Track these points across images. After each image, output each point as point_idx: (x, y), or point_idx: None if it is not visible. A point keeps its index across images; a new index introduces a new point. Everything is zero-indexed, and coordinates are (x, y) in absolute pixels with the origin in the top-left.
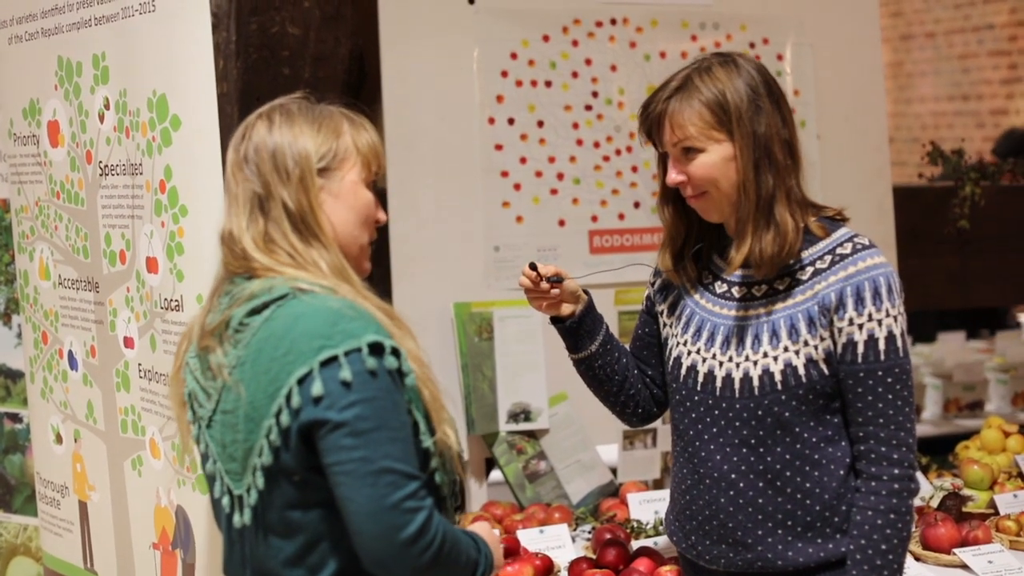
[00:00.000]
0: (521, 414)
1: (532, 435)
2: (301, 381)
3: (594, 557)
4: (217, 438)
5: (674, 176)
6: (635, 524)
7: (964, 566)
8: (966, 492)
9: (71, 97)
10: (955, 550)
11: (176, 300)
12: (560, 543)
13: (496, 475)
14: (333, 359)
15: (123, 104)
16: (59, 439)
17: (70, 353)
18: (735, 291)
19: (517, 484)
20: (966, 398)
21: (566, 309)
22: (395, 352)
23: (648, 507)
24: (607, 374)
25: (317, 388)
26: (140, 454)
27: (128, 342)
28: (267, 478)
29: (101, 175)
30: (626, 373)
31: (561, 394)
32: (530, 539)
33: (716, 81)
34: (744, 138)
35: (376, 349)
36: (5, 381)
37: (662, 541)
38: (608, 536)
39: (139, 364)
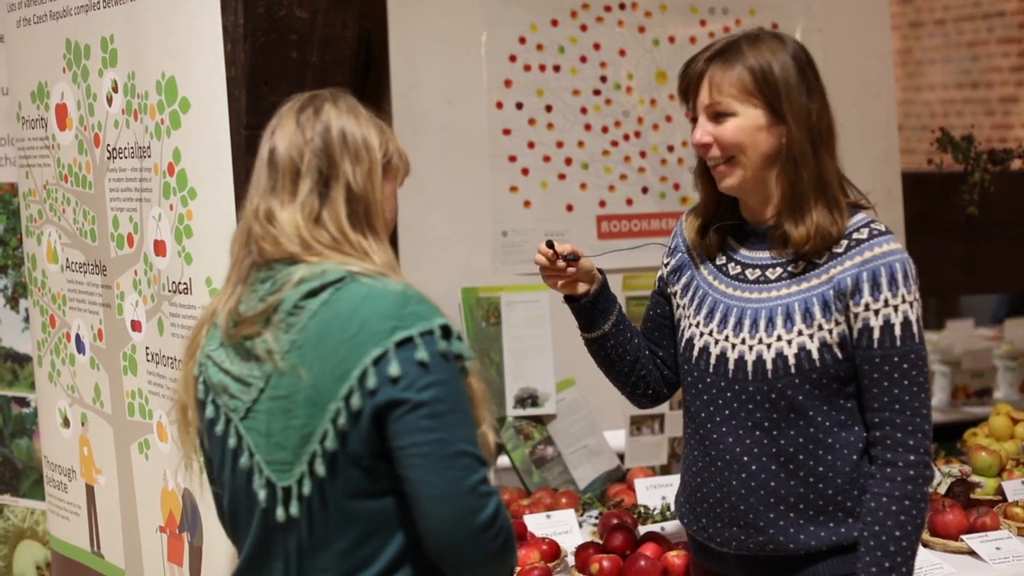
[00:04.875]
0: (528, 399)
1: (539, 420)
2: (376, 362)
3: (601, 542)
4: (260, 428)
5: (699, 136)
6: (642, 509)
7: (972, 552)
8: (974, 479)
9: (79, 80)
10: (963, 536)
11: (184, 283)
12: (567, 528)
13: (503, 460)
14: (408, 340)
15: (131, 87)
16: (66, 423)
17: (77, 337)
18: (749, 273)
19: (524, 469)
20: (974, 385)
21: (580, 288)
22: (459, 337)
23: (655, 493)
24: (618, 354)
25: (394, 368)
26: (147, 437)
27: (136, 325)
28: (329, 465)
29: (109, 158)
30: (637, 354)
31: (568, 379)
32: (537, 524)
33: (764, 51)
34: (798, 113)
35: (446, 332)
36: (12, 365)
37: (669, 526)
38: (615, 521)
39: (147, 347)
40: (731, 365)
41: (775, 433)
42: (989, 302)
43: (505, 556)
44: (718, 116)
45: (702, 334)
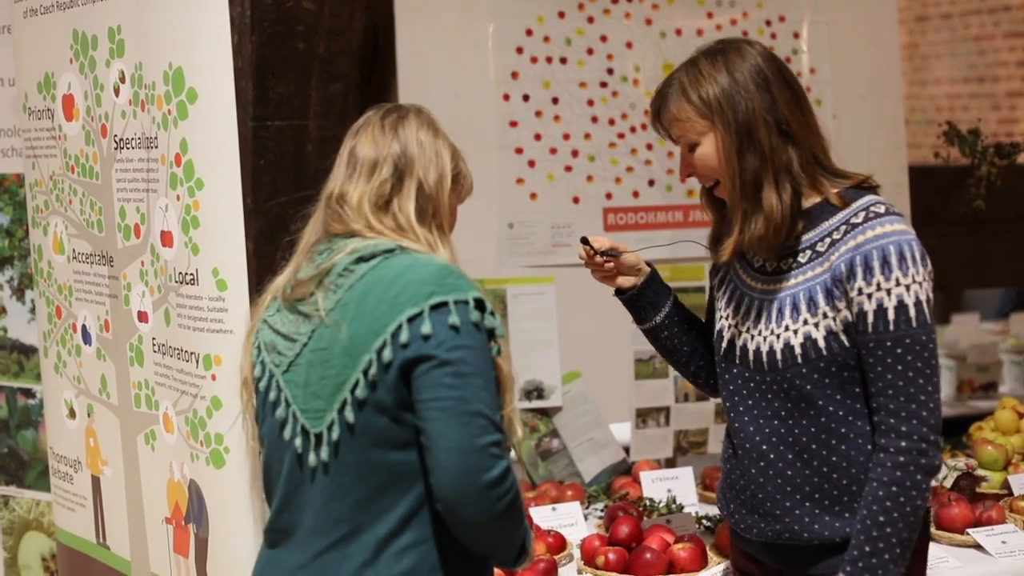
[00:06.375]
0: (534, 392)
1: (545, 413)
2: (411, 320)
3: (606, 535)
4: (299, 380)
5: (681, 172)
6: (648, 502)
7: (977, 546)
8: (980, 472)
9: (86, 71)
10: (968, 530)
11: (191, 274)
12: (572, 521)
13: None
14: (443, 304)
15: (139, 77)
16: (72, 414)
17: (84, 327)
18: (768, 265)
19: (530, 462)
20: (980, 379)
21: (626, 282)
22: (492, 314)
23: (661, 485)
24: (674, 345)
25: (427, 327)
26: (153, 428)
27: (142, 316)
28: (357, 412)
29: (116, 149)
30: (696, 344)
31: (574, 372)
32: (543, 517)
33: (699, 76)
34: (724, 126)
35: (479, 305)
36: (18, 356)
37: (675, 519)
38: (620, 514)
39: (153, 338)
40: (750, 356)
41: (791, 423)
42: (995, 296)
43: (510, 520)
44: (689, 146)
45: (729, 326)
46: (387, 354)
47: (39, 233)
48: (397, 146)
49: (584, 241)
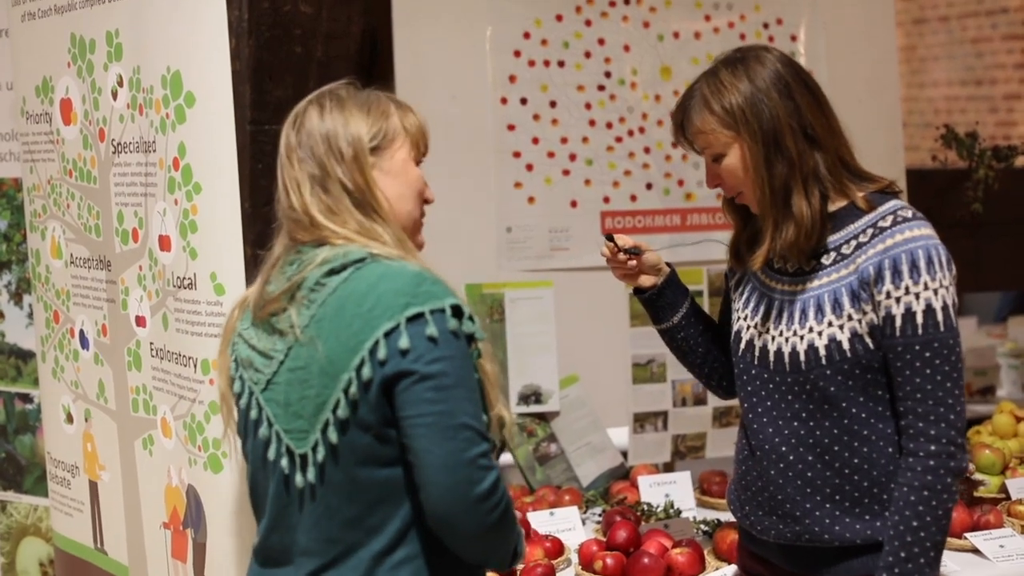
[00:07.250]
0: (532, 396)
1: (543, 417)
2: (388, 335)
3: (604, 539)
4: (279, 399)
5: (708, 182)
6: (645, 507)
7: (975, 550)
8: (978, 477)
9: (84, 74)
10: (966, 534)
11: (189, 278)
12: (570, 525)
13: (506, 457)
14: (419, 316)
15: (137, 81)
16: (70, 419)
17: (81, 332)
18: (789, 266)
19: (527, 466)
20: (978, 383)
21: (646, 281)
22: (471, 318)
23: (659, 490)
24: (689, 346)
25: (404, 342)
26: (151, 433)
27: (140, 321)
28: (341, 433)
29: (114, 153)
30: (710, 346)
31: (572, 376)
32: (540, 521)
33: (720, 86)
34: (750, 136)
35: (456, 312)
36: (16, 361)
37: (673, 523)
38: (618, 519)
39: (151, 343)
40: (771, 357)
41: (811, 424)
42: (993, 300)
43: (501, 530)
44: (715, 158)
45: (748, 327)
46: (366, 372)
47: (37, 237)
48: (306, 154)
49: (609, 238)
